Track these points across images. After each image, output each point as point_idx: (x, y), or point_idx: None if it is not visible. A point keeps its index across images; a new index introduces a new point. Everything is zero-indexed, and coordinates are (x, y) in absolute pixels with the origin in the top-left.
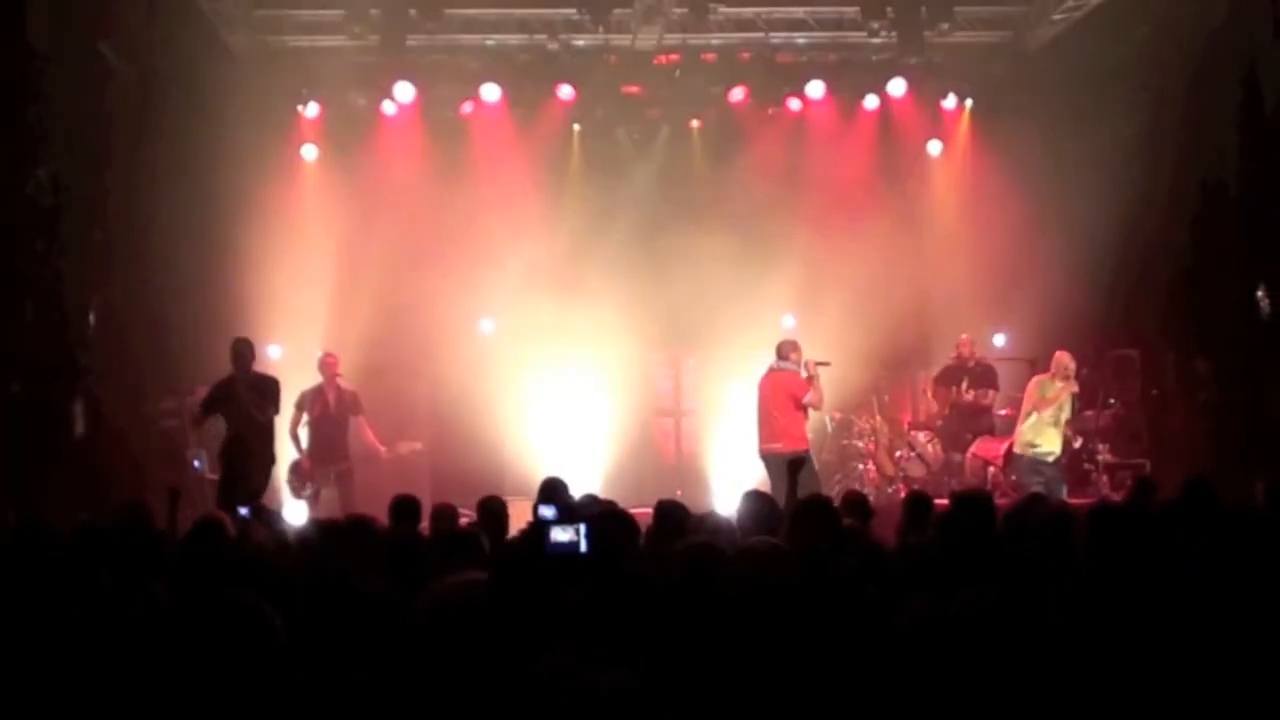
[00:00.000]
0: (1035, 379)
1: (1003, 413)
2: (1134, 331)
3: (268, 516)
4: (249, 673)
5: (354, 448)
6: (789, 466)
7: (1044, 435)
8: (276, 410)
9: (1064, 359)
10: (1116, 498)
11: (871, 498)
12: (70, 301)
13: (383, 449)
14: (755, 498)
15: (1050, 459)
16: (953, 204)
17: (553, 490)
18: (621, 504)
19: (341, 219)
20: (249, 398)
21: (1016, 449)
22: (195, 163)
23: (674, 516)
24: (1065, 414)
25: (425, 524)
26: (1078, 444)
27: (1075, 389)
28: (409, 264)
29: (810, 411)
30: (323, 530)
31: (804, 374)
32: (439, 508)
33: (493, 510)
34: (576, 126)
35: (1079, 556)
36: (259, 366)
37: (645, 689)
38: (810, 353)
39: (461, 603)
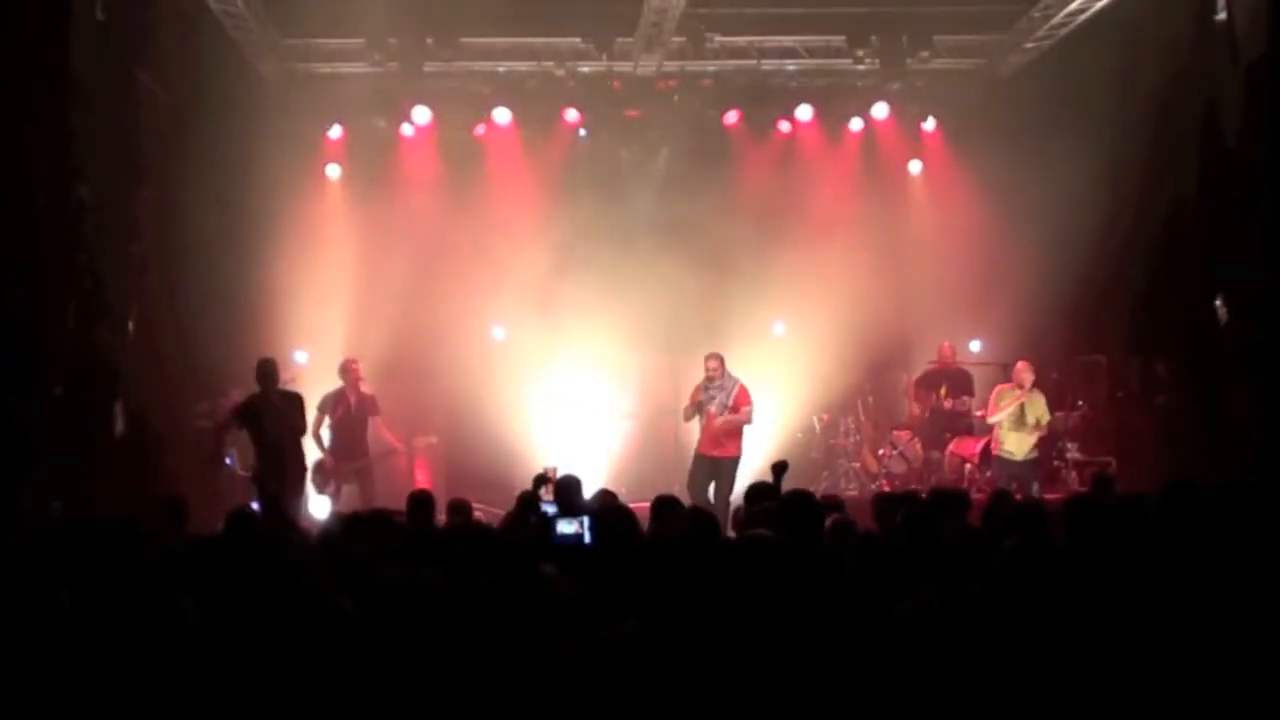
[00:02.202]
0: (997, 388)
1: (979, 414)
2: (1101, 338)
3: (278, 509)
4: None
5: (373, 446)
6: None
7: (1008, 439)
8: (305, 421)
9: (1019, 369)
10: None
11: (856, 493)
12: (110, 309)
13: (400, 445)
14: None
15: (1017, 458)
16: (932, 219)
17: (568, 489)
18: (625, 498)
19: (363, 233)
20: (283, 412)
21: (995, 450)
22: (227, 180)
23: (669, 509)
24: (1033, 417)
25: (442, 517)
26: (1035, 437)
27: (1022, 398)
28: (425, 274)
29: (699, 419)
30: (345, 522)
31: (701, 383)
32: (454, 502)
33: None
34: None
35: (1054, 546)
36: (284, 373)
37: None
38: (799, 357)
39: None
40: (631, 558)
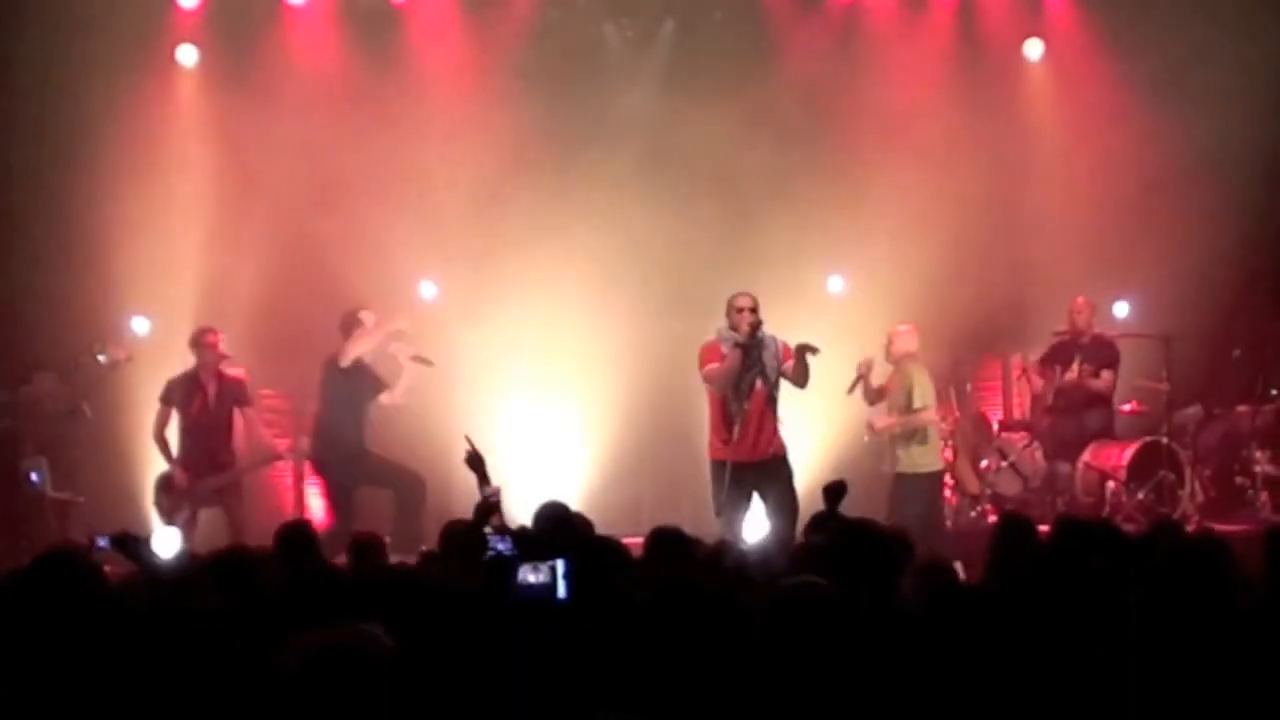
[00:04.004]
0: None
1: (1126, 407)
2: None
3: (135, 548)
4: None
5: (245, 452)
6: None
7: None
8: None
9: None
10: None
11: (949, 523)
12: None
13: (284, 449)
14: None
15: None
16: (1058, 127)
17: (557, 522)
18: (614, 531)
19: (230, 145)
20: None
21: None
22: (28, 74)
23: (674, 549)
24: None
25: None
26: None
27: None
28: (321, 206)
29: (732, 399)
30: (201, 567)
31: (722, 336)
32: (362, 539)
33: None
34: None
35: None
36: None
37: None
38: (864, 325)
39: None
40: (624, 618)
